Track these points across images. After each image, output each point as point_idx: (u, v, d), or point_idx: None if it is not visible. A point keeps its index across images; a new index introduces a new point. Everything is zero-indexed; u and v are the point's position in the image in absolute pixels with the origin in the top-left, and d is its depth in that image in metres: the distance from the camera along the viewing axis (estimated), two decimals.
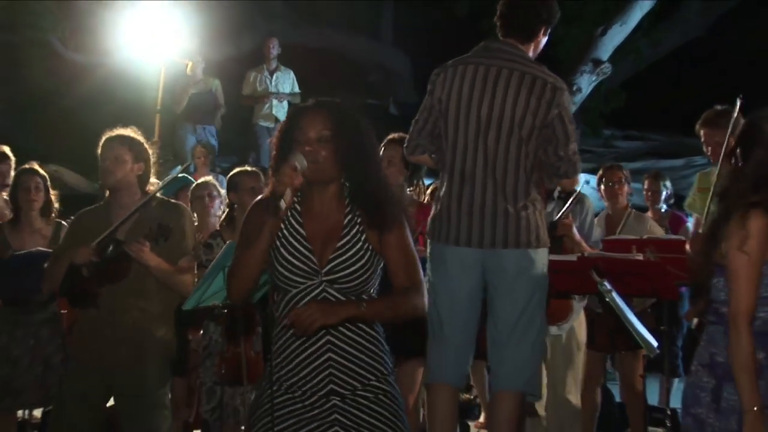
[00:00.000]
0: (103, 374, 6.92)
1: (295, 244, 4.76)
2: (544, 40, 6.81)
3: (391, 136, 8.33)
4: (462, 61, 6.61)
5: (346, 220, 4.84)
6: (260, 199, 4.91)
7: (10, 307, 8.22)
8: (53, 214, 8.65)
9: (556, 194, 8.14)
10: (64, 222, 8.52)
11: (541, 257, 6.64)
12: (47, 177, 8.68)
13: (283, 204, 4.67)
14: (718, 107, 8.20)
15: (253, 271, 4.80)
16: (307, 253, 4.78)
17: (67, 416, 6.98)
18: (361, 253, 4.77)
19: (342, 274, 4.76)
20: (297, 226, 4.80)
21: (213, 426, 8.08)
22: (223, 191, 9.06)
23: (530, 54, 6.68)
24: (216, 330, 7.69)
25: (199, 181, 9.68)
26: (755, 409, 4.82)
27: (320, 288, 4.74)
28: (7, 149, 9.51)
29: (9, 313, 8.24)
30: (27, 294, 7.99)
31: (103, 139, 6.98)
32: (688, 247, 8.16)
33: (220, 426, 7.88)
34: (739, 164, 5.21)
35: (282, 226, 4.77)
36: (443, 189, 6.69)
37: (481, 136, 6.47)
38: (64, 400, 7.10)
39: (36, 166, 8.71)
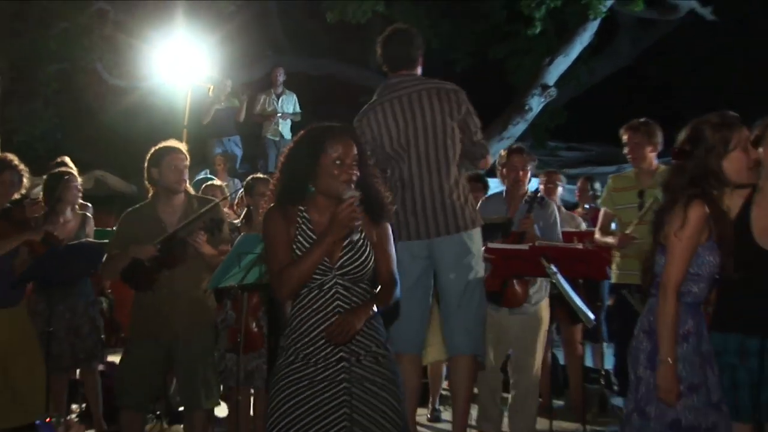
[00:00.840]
0: (162, 345, 6.99)
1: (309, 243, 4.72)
2: (421, 59, 6.87)
3: None
4: (377, 102, 6.72)
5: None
6: (276, 212, 4.80)
7: (54, 287, 8.12)
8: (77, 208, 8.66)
9: (525, 199, 8.15)
10: (88, 213, 8.63)
11: (476, 237, 6.73)
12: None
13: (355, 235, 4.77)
14: (639, 120, 8.34)
15: (307, 278, 4.73)
16: None
17: (130, 378, 7.08)
18: (363, 248, 4.80)
19: (350, 267, 4.78)
20: (309, 233, 4.76)
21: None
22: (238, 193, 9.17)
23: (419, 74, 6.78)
24: (229, 306, 7.71)
25: (209, 183, 9.72)
26: (669, 360, 4.98)
27: (333, 281, 4.75)
28: (67, 159, 9.43)
29: (52, 293, 8.16)
30: (75, 278, 8.09)
31: (169, 149, 7.02)
32: (596, 236, 8.49)
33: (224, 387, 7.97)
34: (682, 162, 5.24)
35: (297, 233, 4.76)
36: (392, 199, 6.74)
37: (412, 148, 6.57)
38: (127, 369, 7.16)
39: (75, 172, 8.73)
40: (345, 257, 4.75)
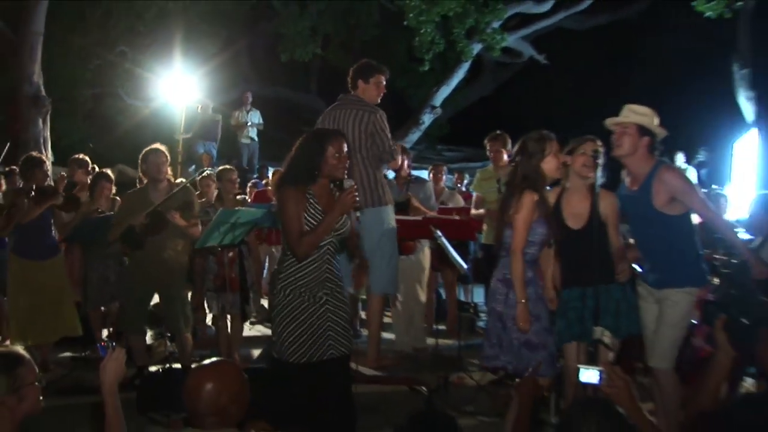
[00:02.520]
0: (151, 286, 7.08)
1: (319, 217, 4.68)
2: (370, 87, 6.81)
3: None
4: (333, 108, 6.72)
5: (335, 199, 4.78)
6: (292, 192, 4.70)
7: (88, 246, 8.15)
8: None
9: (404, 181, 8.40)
10: (117, 198, 8.34)
11: (386, 210, 6.72)
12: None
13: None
14: (497, 132, 8.44)
15: (320, 242, 4.73)
16: None
17: (131, 312, 7.14)
18: (345, 216, 4.79)
19: (342, 231, 4.79)
20: (316, 206, 4.70)
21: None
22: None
23: (362, 95, 6.73)
24: (213, 260, 7.61)
25: (204, 174, 9.65)
26: (523, 301, 5.12)
27: (329, 240, 4.75)
28: (86, 157, 9.13)
29: (87, 251, 8.20)
30: (97, 239, 7.81)
31: (153, 150, 7.03)
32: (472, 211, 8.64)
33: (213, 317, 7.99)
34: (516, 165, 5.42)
35: (308, 207, 4.68)
36: None
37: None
38: (128, 303, 7.20)
39: (109, 172, 8.70)
40: (338, 223, 4.74)
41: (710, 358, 3.92)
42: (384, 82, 6.95)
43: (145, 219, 6.75)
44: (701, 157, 16.69)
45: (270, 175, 11.54)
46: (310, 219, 4.70)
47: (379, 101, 6.89)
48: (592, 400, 3.53)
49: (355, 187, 4.81)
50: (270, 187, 10.15)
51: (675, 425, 5.01)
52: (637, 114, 5.23)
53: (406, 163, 8.66)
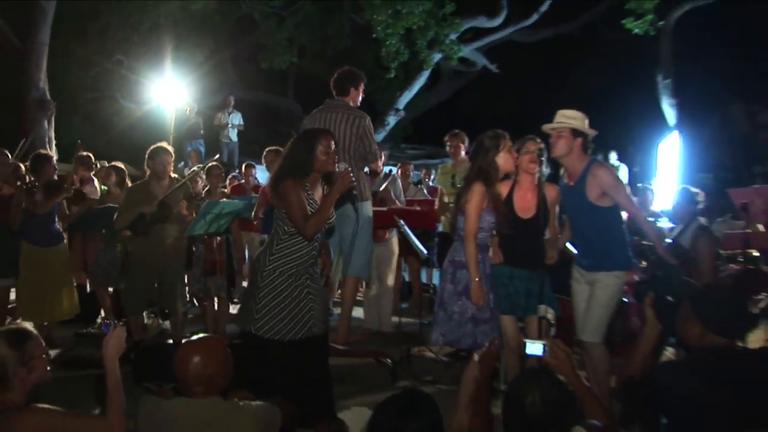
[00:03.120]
0: (154, 270, 6.98)
1: (316, 206, 4.67)
2: (357, 93, 6.74)
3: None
4: (319, 111, 6.60)
5: (325, 191, 4.81)
6: (293, 183, 4.65)
7: (96, 233, 8.18)
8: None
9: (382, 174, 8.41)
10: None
11: (366, 205, 6.66)
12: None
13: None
14: (456, 130, 8.43)
15: (325, 223, 4.76)
16: None
17: (135, 294, 7.08)
18: (333, 208, 4.79)
19: (330, 220, 4.81)
20: (311, 195, 4.70)
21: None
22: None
23: (350, 101, 6.64)
24: (201, 246, 7.51)
25: (194, 168, 9.65)
26: (476, 279, 5.13)
27: None
28: (90, 155, 9.33)
29: (100, 236, 8.13)
30: (103, 228, 7.95)
31: (162, 149, 7.00)
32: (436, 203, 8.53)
33: (201, 297, 7.93)
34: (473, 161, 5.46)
35: (305, 197, 4.67)
36: None
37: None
38: (132, 286, 7.14)
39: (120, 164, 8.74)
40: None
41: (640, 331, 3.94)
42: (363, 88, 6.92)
43: (155, 208, 6.73)
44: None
45: (245, 169, 11.45)
46: (310, 206, 4.68)
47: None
48: (536, 369, 3.55)
49: (349, 169, 4.82)
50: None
51: (605, 390, 5.07)
52: (569, 118, 5.28)
53: (382, 158, 8.71)
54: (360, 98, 6.82)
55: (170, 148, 7.08)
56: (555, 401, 2.85)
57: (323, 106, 6.65)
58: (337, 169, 4.84)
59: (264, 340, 4.69)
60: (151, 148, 7.02)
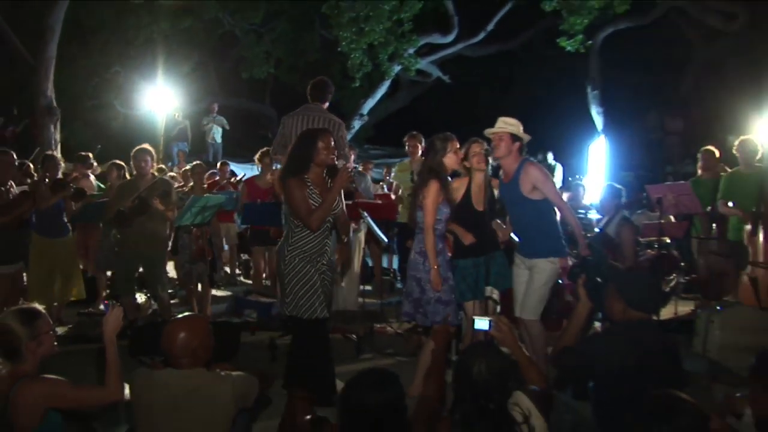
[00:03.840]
0: (137, 257, 6.92)
1: (318, 199, 4.67)
2: (327, 100, 6.52)
3: None
4: (296, 113, 6.39)
5: (328, 184, 4.80)
6: (295, 180, 4.65)
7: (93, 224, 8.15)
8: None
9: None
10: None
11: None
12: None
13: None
14: (414, 132, 8.34)
15: (328, 215, 4.73)
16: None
17: (121, 278, 7.04)
18: (338, 200, 4.83)
19: (336, 211, 4.83)
20: (314, 189, 4.69)
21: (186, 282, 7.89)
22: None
23: (325, 106, 6.47)
24: (186, 236, 7.43)
25: (184, 169, 9.56)
26: (435, 267, 5.07)
27: (327, 218, 4.75)
28: (89, 154, 9.27)
29: (91, 227, 8.15)
30: (98, 220, 7.89)
31: (141, 149, 6.90)
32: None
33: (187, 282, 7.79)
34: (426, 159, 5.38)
35: (308, 192, 4.66)
36: None
37: None
38: (119, 271, 7.12)
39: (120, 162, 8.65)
40: (333, 204, 4.77)
41: (573, 308, 3.98)
42: None
43: (131, 203, 6.64)
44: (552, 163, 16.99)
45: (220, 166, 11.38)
46: (311, 202, 4.67)
47: None
48: (482, 342, 3.56)
49: (349, 166, 4.81)
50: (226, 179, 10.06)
51: (542, 359, 5.10)
52: (508, 125, 5.33)
53: (352, 158, 8.72)
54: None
55: (150, 149, 6.98)
56: (498, 370, 2.86)
57: (302, 109, 6.50)
58: (337, 165, 4.85)
59: (297, 320, 4.72)
60: (136, 149, 6.95)
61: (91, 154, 9.31)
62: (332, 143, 4.81)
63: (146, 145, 7.03)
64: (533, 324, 5.30)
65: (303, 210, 4.63)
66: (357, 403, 2.78)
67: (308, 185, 4.70)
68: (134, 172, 7.09)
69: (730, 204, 7.22)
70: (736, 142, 7.42)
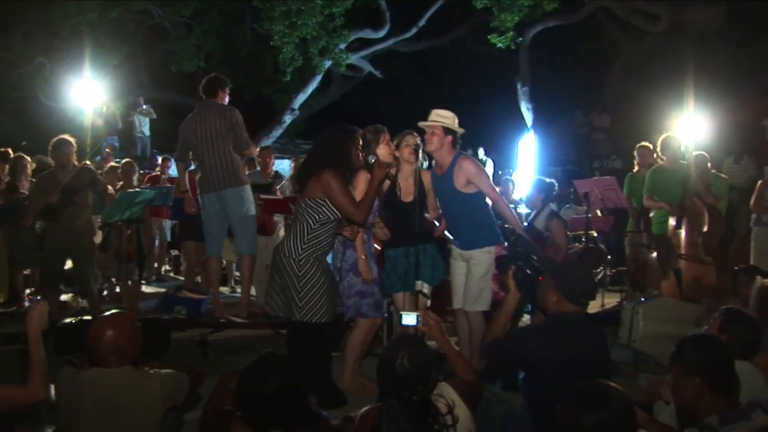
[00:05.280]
0: (66, 250, 6.76)
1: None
2: (224, 95, 6.52)
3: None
4: (193, 114, 6.42)
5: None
6: (339, 176, 4.56)
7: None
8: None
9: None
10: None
11: (246, 189, 6.46)
12: None
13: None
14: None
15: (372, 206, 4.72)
16: None
17: (48, 274, 6.86)
18: None
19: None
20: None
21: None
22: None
23: (219, 100, 6.45)
24: (114, 232, 7.28)
25: (110, 165, 9.39)
26: (363, 257, 5.05)
27: (338, 217, 4.67)
28: (9, 150, 9.06)
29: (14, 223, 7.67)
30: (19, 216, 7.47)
31: (62, 140, 6.74)
32: None
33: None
34: None
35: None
36: (200, 168, 6.56)
37: (207, 142, 6.25)
38: (45, 267, 6.94)
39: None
40: None
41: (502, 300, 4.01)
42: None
43: (59, 195, 6.48)
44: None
45: (159, 162, 11.21)
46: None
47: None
48: (406, 335, 3.58)
49: (382, 161, 4.76)
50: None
51: (478, 351, 5.16)
52: (442, 117, 5.34)
53: (271, 162, 8.77)
54: (227, 99, 6.61)
55: (71, 139, 6.81)
56: (421, 362, 2.90)
57: (196, 109, 6.49)
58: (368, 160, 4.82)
59: (305, 325, 4.56)
60: (54, 140, 6.78)
61: (10, 150, 9.08)
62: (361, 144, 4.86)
63: (66, 136, 6.86)
64: (475, 315, 5.33)
65: (350, 202, 4.53)
66: (252, 389, 2.82)
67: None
68: (53, 164, 6.88)
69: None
70: (660, 139, 7.64)
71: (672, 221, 7.21)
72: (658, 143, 7.66)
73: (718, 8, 15.09)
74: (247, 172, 6.87)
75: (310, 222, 4.56)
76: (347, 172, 4.74)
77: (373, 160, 4.82)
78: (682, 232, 7.03)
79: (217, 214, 6.44)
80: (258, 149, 8.67)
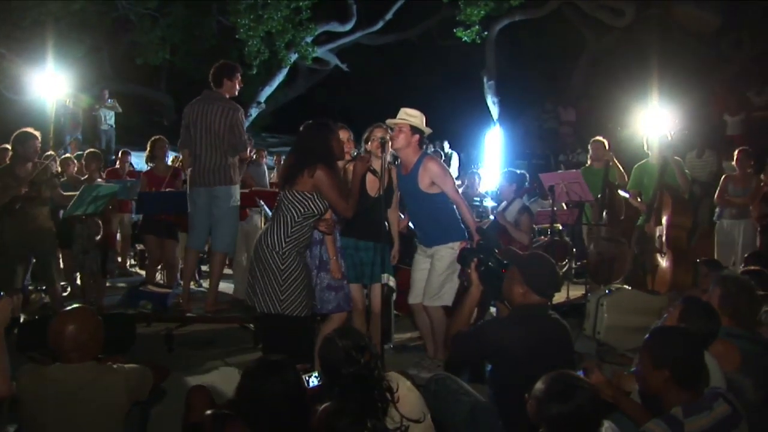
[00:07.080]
0: (25, 248, 6.60)
1: None
2: (232, 84, 6.37)
3: None
4: (197, 102, 6.27)
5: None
6: (330, 170, 4.48)
7: None
8: None
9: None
10: None
11: (235, 188, 6.39)
12: None
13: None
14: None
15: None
16: None
17: (7, 271, 6.57)
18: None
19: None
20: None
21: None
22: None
23: (225, 92, 6.31)
24: (79, 226, 7.13)
25: (75, 155, 9.26)
26: (334, 257, 5.03)
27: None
28: None
29: None
30: None
31: (28, 134, 6.49)
32: None
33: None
34: None
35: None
36: (194, 161, 6.36)
37: (204, 139, 6.16)
38: (4, 264, 6.62)
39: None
40: None
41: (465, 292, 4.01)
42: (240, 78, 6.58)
43: (26, 190, 6.34)
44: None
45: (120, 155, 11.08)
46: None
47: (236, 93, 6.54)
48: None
49: (366, 157, 4.73)
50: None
51: (442, 345, 5.18)
52: (410, 116, 5.33)
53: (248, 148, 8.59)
54: (237, 88, 6.49)
55: (37, 134, 6.62)
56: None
57: (201, 97, 6.35)
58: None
59: (290, 318, 4.45)
60: (18, 133, 6.54)
61: None
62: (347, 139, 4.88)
63: (30, 129, 6.62)
64: (435, 310, 5.34)
65: (341, 197, 4.48)
66: (253, 392, 2.79)
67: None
68: (9, 157, 6.71)
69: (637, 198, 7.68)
70: (648, 136, 7.78)
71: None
72: (645, 140, 7.78)
73: (684, 5, 15.34)
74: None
75: (295, 215, 4.46)
76: (335, 166, 4.69)
77: (356, 154, 4.81)
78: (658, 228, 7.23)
79: (204, 208, 6.37)
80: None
